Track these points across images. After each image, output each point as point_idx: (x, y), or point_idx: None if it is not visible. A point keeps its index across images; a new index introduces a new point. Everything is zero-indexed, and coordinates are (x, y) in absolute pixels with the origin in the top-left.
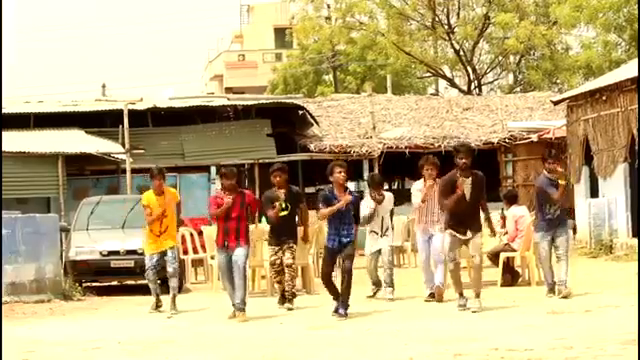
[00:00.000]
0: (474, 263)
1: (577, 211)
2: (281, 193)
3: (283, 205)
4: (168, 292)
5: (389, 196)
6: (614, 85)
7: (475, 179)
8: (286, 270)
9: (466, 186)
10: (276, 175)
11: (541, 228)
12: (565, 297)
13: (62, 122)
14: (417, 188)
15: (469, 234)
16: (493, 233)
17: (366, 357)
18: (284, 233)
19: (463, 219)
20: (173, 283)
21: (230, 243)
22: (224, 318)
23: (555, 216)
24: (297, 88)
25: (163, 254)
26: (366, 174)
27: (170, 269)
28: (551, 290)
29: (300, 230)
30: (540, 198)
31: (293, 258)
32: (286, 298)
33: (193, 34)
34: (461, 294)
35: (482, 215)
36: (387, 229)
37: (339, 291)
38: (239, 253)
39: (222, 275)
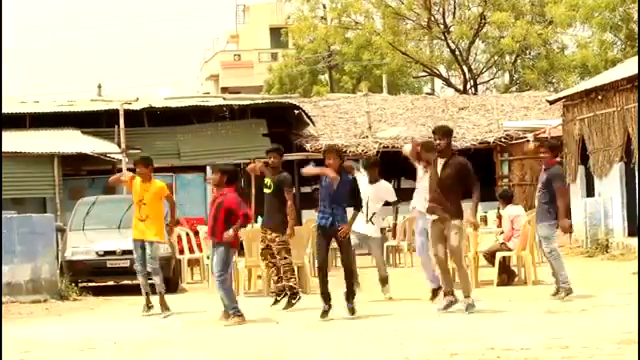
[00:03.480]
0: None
1: (573, 210)
2: (269, 170)
3: (268, 182)
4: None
5: (384, 184)
6: (610, 84)
7: (449, 161)
8: (282, 268)
9: (439, 165)
10: (270, 155)
11: (555, 225)
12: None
13: (58, 122)
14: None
15: (435, 215)
16: (474, 225)
17: (362, 357)
18: (268, 218)
19: (432, 198)
20: (157, 281)
21: (217, 238)
22: (219, 317)
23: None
24: (293, 88)
25: (142, 246)
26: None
27: (149, 268)
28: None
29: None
30: (554, 189)
31: (284, 253)
32: (287, 296)
33: (189, 34)
34: (446, 293)
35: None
36: (374, 215)
37: (329, 293)
38: (215, 261)
39: (217, 271)
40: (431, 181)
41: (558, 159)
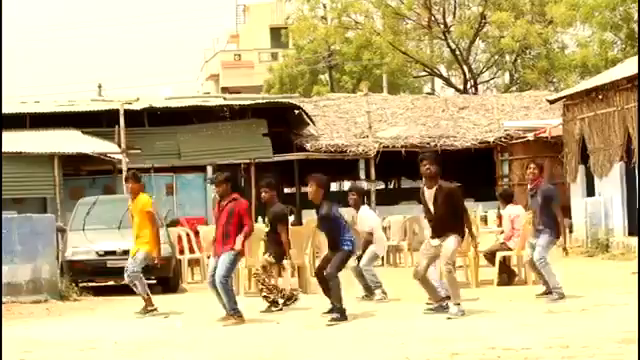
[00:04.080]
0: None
1: (573, 210)
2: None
3: (267, 222)
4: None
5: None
6: (610, 84)
7: (438, 191)
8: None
9: (429, 198)
10: (262, 191)
11: (554, 236)
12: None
13: (58, 122)
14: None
15: (438, 242)
16: (474, 242)
17: (363, 357)
18: (270, 249)
19: (433, 228)
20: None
21: (217, 250)
22: (220, 317)
23: (539, 226)
24: (293, 88)
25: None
26: (362, 173)
27: (124, 274)
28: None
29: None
30: (551, 205)
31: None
32: (283, 300)
33: (189, 34)
34: (438, 301)
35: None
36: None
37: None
38: (219, 262)
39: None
40: (428, 212)
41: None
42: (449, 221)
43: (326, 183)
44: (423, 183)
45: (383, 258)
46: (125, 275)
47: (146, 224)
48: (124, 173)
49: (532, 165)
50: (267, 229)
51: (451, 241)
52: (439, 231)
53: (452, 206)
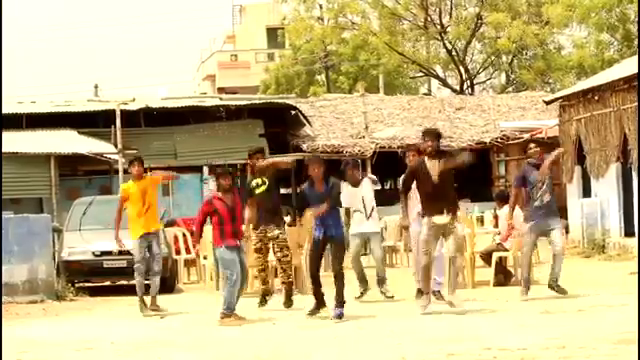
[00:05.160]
0: (453, 264)
1: (570, 211)
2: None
3: (259, 181)
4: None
5: (366, 181)
6: (606, 85)
7: (448, 159)
8: (279, 265)
9: (431, 168)
10: (258, 157)
11: (530, 217)
12: (563, 293)
13: (54, 122)
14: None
15: (445, 216)
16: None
17: (359, 356)
18: (268, 216)
19: (436, 203)
20: (157, 282)
21: (240, 242)
22: (217, 318)
23: (544, 202)
24: (289, 88)
25: (149, 243)
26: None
27: (156, 267)
28: (527, 289)
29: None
30: (524, 185)
31: (286, 251)
32: (285, 295)
33: (185, 34)
34: (427, 293)
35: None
36: (373, 209)
37: (323, 296)
38: (245, 259)
39: (235, 272)
40: (425, 185)
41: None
42: (452, 193)
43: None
44: (413, 162)
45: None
46: (142, 265)
47: (157, 199)
48: (120, 174)
49: (532, 144)
50: (261, 189)
51: (460, 229)
52: (445, 205)
53: (453, 177)
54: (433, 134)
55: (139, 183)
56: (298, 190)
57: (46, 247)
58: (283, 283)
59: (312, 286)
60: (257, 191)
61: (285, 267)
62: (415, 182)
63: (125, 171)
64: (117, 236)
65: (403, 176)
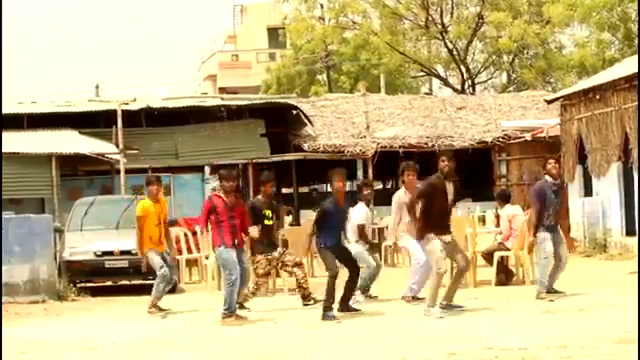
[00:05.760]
0: (459, 268)
1: (571, 210)
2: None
3: (268, 214)
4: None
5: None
6: (608, 84)
7: (454, 185)
8: (296, 269)
9: (450, 193)
10: (270, 184)
11: (543, 231)
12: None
13: (55, 123)
14: (400, 199)
15: (450, 237)
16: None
17: (360, 356)
18: (270, 244)
19: (447, 223)
20: (165, 289)
21: (239, 242)
22: (218, 318)
23: (552, 223)
24: (291, 88)
25: (162, 255)
26: (360, 174)
27: (174, 277)
28: (549, 292)
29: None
30: (541, 202)
31: (299, 269)
32: (304, 297)
33: (186, 34)
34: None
35: None
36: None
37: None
38: (245, 259)
39: (234, 271)
40: (442, 204)
41: None
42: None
43: None
44: (434, 178)
45: (381, 258)
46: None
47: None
48: (121, 174)
49: (551, 160)
50: (270, 222)
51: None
52: (449, 225)
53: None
54: (449, 155)
55: (156, 206)
56: (318, 209)
57: (47, 247)
58: (303, 297)
59: (329, 292)
60: (266, 222)
61: (302, 282)
62: (427, 199)
63: (127, 171)
64: (142, 252)
65: (421, 187)
